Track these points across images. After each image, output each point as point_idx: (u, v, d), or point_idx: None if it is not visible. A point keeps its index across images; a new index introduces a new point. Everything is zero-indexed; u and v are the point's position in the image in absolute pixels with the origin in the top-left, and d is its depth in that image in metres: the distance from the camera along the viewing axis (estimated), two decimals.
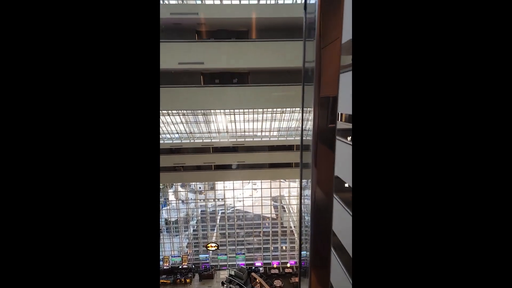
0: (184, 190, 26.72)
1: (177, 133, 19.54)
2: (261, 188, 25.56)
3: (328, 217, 6.70)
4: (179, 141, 20.45)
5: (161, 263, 23.69)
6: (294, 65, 8.87)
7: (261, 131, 20.09)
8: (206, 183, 26.42)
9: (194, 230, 27.65)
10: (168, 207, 27.59)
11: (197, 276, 23.05)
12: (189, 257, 24.67)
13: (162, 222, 25.77)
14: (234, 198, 25.26)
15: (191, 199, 27.80)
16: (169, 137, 20.38)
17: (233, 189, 24.49)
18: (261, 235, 25.85)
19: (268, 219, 26.10)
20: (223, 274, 23.24)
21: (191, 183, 27.80)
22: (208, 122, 19.10)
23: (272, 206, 26.12)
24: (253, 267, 23.93)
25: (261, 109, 16.50)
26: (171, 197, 27.87)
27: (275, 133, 21.17)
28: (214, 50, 9.71)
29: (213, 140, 20.93)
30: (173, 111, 17.23)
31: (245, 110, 16.86)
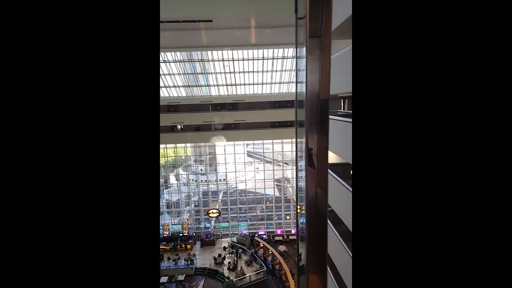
0: (185, 173, 26.01)
1: (174, 86, 18.68)
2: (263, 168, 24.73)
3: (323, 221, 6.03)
4: (177, 96, 19.61)
5: (160, 230, 22.88)
6: None
7: (262, 84, 19.17)
8: (208, 165, 25.74)
9: (195, 206, 26.83)
10: (169, 189, 26.87)
11: (198, 244, 22.21)
12: (189, 226, 23.83)
13: (163, 204, 24.94)
14: (236, 175, 24.52)
15: (193, 180, 27.00)
16: (166, 94, 19.53)
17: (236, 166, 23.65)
18: (264, 206, 25.00)
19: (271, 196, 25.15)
20: (225, 242, 22.37)
21: (192, 166, 27.08)
22: (206, 74, 18.22)
23: (275, 186, 25.24)
24: (256, 235, 23.05)
25: (261, 49, 15.56)
26: (173, 179, 27.10)
27: (276, 90, 20.27)
28: None
29: (211, 96, 20.07)
30: (170, 58, 16.38)
31: (244, 52, 15.94)
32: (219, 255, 19.84)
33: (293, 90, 19.70)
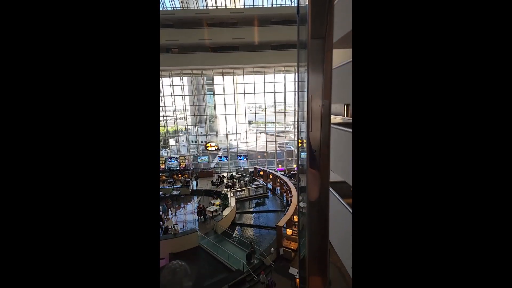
0: (184, 135, 25.03)
1: None
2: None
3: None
4: (171, 9, 18.35)
5: None
6: None
7: None
8: (207, 124, 24.69)
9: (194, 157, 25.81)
10: (168, 150, 25.94)
11: (195, 180, 21.22)
12: (186, 162, 22.84)
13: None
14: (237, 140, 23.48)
15: (192, 141, 26.08)
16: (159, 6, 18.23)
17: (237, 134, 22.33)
18: (265, 153, 23.92)
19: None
20: (224, 174, 21.35)
21: (192, 130, 26.01)
22: None
23: (277, 148, 24.21)
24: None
25: None
26: (172, 142, 26.22)
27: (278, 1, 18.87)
28: None
29: (208, 8, 18.76)
30: None
31: None
32: (217, 179, 18.84)
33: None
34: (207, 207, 13.68)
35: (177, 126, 25.56)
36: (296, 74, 21.51)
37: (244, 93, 21.95)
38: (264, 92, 21.77)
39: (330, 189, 5.87)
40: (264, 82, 21.60)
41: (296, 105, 22.47)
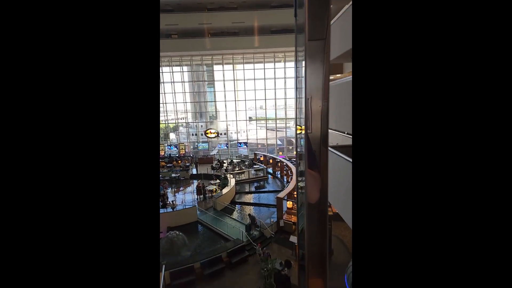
0: (185, 128, 24.85)
1: None
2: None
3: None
4: None
5: None
6: None
7: None
8: (208, 114, 24.48)
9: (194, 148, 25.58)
10: (168, 141, 25.78)
11: (195, 167, 21.04)
12: (186, 150, 22.68)
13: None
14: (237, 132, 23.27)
15: (193, 134, 25.89)
16: None
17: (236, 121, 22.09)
18: (266, 143, 23.73)
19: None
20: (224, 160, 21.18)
21: (191, 123, 25.82)
22: None
23: (277, 141, 24.00)
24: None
25: None
26: (172, 136, 26.08)
27: None
28: None
29: None
30: None
31: None
32: (217, 164, 18.67)
33: None
34: (207, 186, 13.51)
35: (177, 122, 25.40)
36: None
37: (244, 80, 21.77)
38: (264, 78, 21.59)
39: (331, 148, 5.68)
40: (264, 68, 21.43)
41: (295, 92, 22.26)
